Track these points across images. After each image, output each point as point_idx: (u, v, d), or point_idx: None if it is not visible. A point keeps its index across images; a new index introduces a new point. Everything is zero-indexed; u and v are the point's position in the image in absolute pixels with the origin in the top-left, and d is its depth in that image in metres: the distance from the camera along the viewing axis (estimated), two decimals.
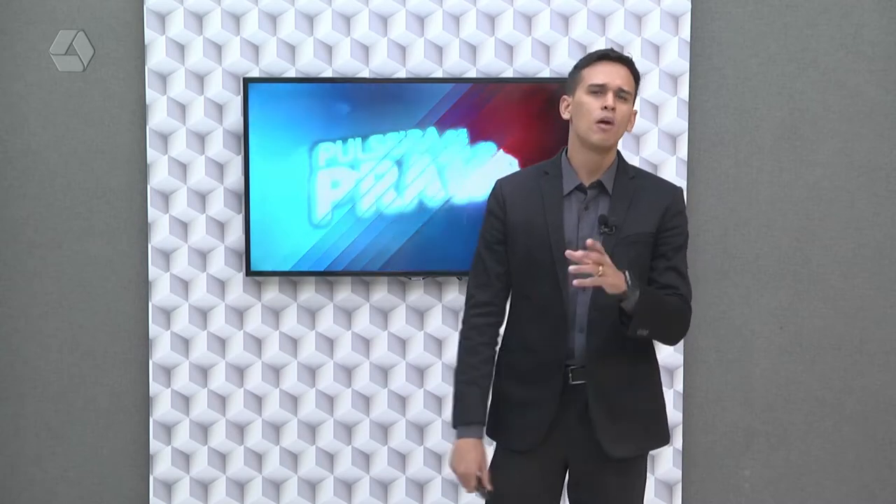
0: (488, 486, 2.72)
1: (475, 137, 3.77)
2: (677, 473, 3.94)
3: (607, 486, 2.72)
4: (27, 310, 3.92)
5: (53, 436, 3.95)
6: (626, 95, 2.65)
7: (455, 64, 3.83)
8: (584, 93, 2.66)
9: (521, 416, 2.73)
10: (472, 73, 3.83)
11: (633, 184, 2.72)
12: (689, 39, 3.84)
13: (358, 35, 3.83)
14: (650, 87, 3.84)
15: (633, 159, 3.84)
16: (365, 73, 3.83)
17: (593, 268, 2.46)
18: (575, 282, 2.48)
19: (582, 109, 2.65)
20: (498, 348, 2.80)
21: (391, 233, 3.79)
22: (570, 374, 2.69)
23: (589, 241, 2.47)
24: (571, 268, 2.48)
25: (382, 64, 3.83)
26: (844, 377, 3.97)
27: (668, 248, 2.71)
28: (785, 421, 3.98)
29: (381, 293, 3.89)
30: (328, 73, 3.83)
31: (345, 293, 3.89)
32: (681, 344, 3.90)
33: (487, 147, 3.76)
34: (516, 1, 3.82)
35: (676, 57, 3.84)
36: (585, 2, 3.82)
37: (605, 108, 2.62)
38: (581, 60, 2.72)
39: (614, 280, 2.50)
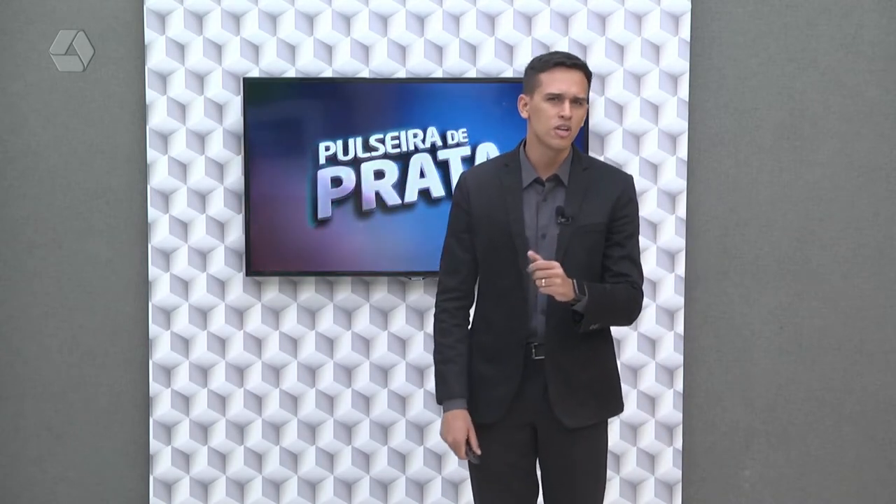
0: (477, 451, 2.92)
1: (475, 137, 3.77)
2: (677, 473, 3.94)
3: (572, 453, 2.93)
4: (27, 310, 3.92)
5: (53, 436, 3.95)
6: (581, 100, 2.84)
7: (455, 64, 3.83)
8: (541, 99, 2.83)
9: (486, 392, 2.95)
10: (472, 73, 3.83)
11: (587, 175, 2.91)
12: (689, 39, 3.84)
13: (358, 35, 3.83)
14: (650, 87, 3.84)
15: (633, 159, 3.85)
16: (365, 73, 3.83)
17: (546, 280, 2.70)
18: (540, 290, 2.73)
19: (540, 115, 2.84)
20: (469, 328, 3.02)
21: (391, 232, 3.79)
22: (533, 350, 2.89)
23: (533, 265, 2.71)
24: (531, 271, 2.72)
25: (382, 64, 3.83)
26: (844, 377, 3.97)
27: (621, 237, 2.90)
28: (785, 421, 3.98)
29: (381, 293, 3.89)
30: (328, 73, 3.83)
31: (345, 293, 3.89)
32: (681, 344, 3.90)
33: (487, 147, 3.76)
34: (516, 1, 3.82)
35: (676, 57, 3.84)
36: (585, 2, 3.82)
37: (563, 116, 2.79)
38: (537, 62, 2.87)
39: (563, 290, 2.72)
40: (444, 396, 2.96)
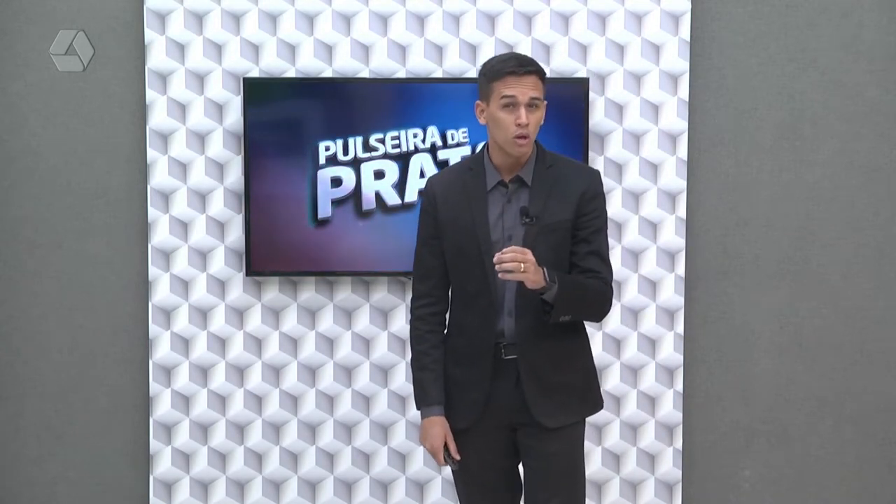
0: (456, 456, 2.93)
1: (475, 137, 3.77)
2: (677, 473, 3.94)
3: (551, 451, 2.92)
4: (27, 310, 3.92)
5: (53, 436, 3.95)
6: (537, 102, 2.82)
7: (455, 64, 3.83)
8: (497, 107, 2.82)
9: (459, 397, 2.95)
10: (471, 73, 3.83)
11: (552, 173, 2.90)
12: (689, 39, 3.84)
13: (358, 35, 3.83)
14: (650, 87, 3.84)
15: (633, 159, 3.85)
16: (365, 73, 3.83)
17: (515, 265, 2.67)
18: (500, 275, 2.70)
19: (498, 124, 2.82)
20: (445, 333, 3.02)
21: (391, 232, 3.79)
22: (503, 350, 2.88)
23: (506, 249, 2.68)
24: (497, 266, 2.69)
25: (382, 64, 3.83)
26: (844, 377, 3.97)
27: (588, 232, 2.89)
28: (785, 421, 3.98)
29: (381, 293, 3.89)
30: (328, 73, 3.83)
31: (345, 293, 3.89)
32: (681, 344, 3.90)
33: None
34: (516, 1, 3.82)
35: (676, 57, 3.84)
36: (585, 2, 3.82)
37: (520, 124, 2.78)
38: (490, 70, 2.84)
39: (534, 277, 2.70)
40: (421, 403, 2.97)
